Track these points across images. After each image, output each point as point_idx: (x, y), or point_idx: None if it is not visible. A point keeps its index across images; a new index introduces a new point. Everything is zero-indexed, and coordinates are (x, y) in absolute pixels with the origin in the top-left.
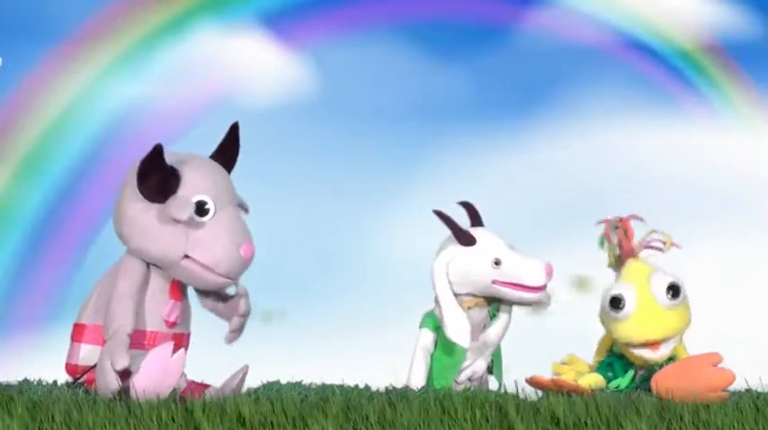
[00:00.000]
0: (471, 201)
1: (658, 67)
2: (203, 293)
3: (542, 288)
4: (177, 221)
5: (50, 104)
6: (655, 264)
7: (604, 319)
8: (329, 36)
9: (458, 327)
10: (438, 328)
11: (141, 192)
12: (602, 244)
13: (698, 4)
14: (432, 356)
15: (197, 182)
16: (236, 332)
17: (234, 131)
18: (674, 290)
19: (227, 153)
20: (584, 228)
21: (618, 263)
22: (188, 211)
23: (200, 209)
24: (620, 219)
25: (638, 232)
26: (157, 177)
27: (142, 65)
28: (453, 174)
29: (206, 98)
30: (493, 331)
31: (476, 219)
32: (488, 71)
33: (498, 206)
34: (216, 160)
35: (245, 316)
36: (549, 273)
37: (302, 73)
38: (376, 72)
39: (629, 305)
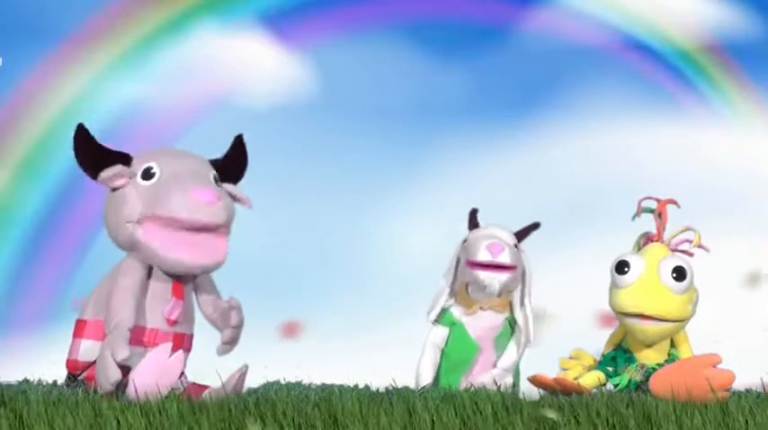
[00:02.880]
0: (471, 200)
1: (658, 67)
2: (203, 300)
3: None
4: (113, 185)
5: (50, 104)
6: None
7: (610, 291)
8: (329, 36)
9: (435, 310)
10: (452, 324)
11: (87, 173)
12: (634, 217)
13: (698, 4)
14: (443, 352)
15: (146, 156)
16: (229, 344)
17: (238, 143)
18: (678, 272)
19: (228, 163)
20: (583, 227)
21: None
22: (112, 170)
23: (147, 173)
24: (658, 201)
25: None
26: (89, 152)
27: (142, 65)
28: (453, 174)
29: (206, 98)
30: (505, 357)
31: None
32: (488, 71)
33: (498, 206)
34: (215, 166)
35: (237, 327)
36: (496, 252)
37: (302, 73)
38: (376, 72)
39: (633, 273)
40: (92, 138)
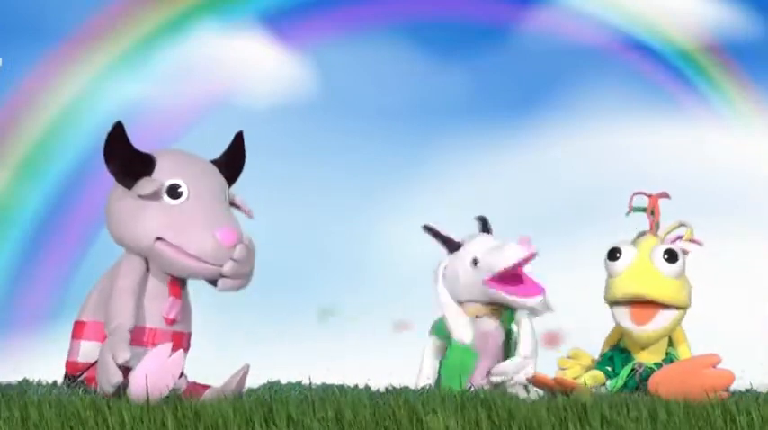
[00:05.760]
0: (471, 200)
1: (658, 67)
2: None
3: (531, 289)
4: (143, 198)
5: (50, 104)
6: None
7: (606, 285)
8: (329, 36)
9: (457, 325)
10: (447, 336)
11: (110, 172)
12: (627, 214)
13: (698, 4)
14: (441, 363)
15: (171, 167)
16: (229, 278)
17: (238, 141)
18: (669, 254)
19: (228, 161)
20: (583, 227)
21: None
22: (152, 187)
23: (173, 191)
24: (650, 197)
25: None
26: (121, 154)
27: (142, 65)
28: (453, 174)
29: (206, 98)
30: (523, 346)
31: (484, 229)
32: (488, 71)
33: (498, 206)
34: (217, 166)
35: (239, 261)
36: (525, 244)
37: (302, 73)
38: (376, 72)
39: (625, 258)
40: (128, 141)
